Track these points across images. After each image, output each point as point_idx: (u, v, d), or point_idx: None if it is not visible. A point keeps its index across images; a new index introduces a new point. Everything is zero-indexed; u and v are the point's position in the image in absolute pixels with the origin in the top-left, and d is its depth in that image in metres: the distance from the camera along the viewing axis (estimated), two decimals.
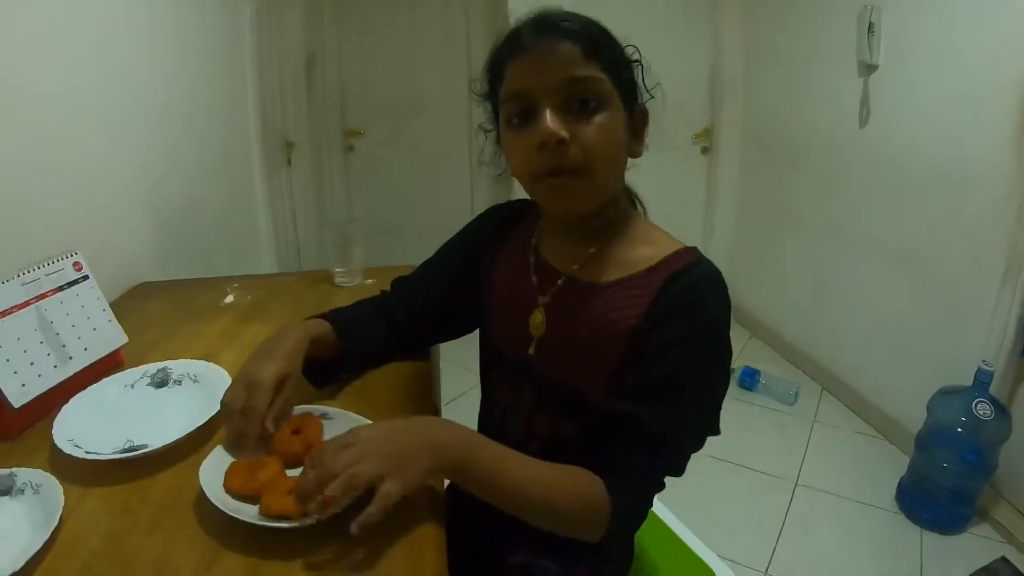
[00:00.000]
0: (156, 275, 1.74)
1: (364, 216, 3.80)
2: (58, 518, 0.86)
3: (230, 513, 0.84)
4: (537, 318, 0.98)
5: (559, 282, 0.97)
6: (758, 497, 2.43)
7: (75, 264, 1.28)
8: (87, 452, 0.98)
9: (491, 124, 0.98)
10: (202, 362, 1.20)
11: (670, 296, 0.84)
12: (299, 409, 1.05)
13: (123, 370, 1.20)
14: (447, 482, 0.95)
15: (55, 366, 1.16)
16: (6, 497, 0.94)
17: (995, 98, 2.18)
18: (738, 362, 3.37)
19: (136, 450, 0.99)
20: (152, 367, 1.19)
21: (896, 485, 2.46)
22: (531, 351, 0.98)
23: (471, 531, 0.99)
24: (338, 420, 1.04)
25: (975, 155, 2.29)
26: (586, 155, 0.84)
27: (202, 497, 0.87)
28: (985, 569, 2.04)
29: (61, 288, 1.23)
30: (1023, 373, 2.27)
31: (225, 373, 1.15)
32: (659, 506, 1.34)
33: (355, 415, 1.05)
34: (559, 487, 0.83)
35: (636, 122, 0.93)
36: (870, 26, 2.65)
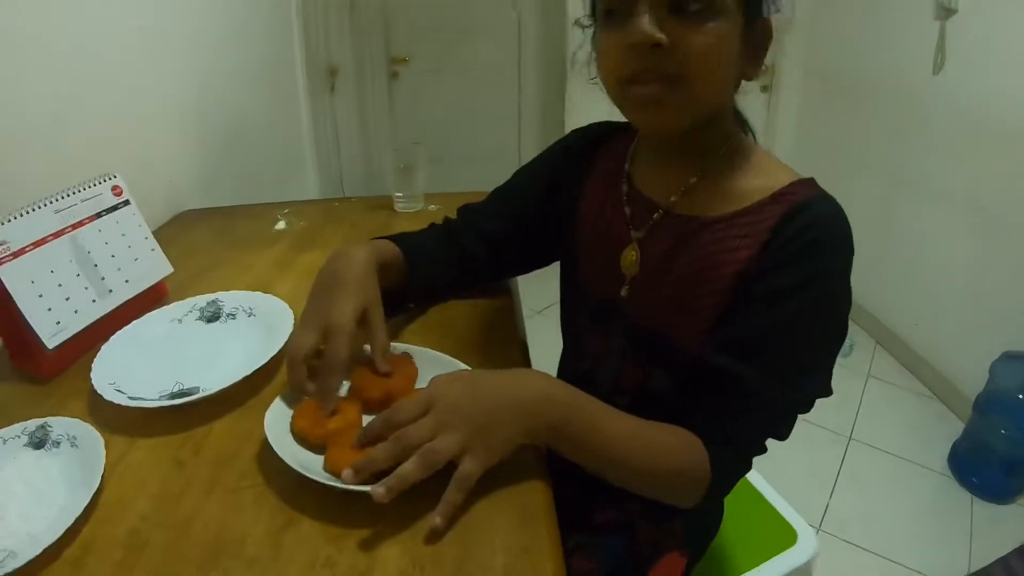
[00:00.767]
0: (199, 202, 1.57)
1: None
2: (100, 476, 0.71)
3: (306, 474, 0.69)
4: (630, 256, 0.85)
5: (655, 215, 0.84)
6: (813, 450, 2.33)
7: (114, 188, 1.12)
8: (131, 398, 0.82)
9: (589, 19, 0.83)
10: (258, 293, 1.03)
11: (786, 236, 0.73)
12: None
13: (168, 304, 1.04)
14: None
15: (93, 301, 1.01)
16: (40, 451, 0.80)
17: None
18: None
19: (187, 394, 0.83)
20: (202, 299, 1.03)
21: (949, 448, 2.36)
22: (623, 293, 0.87)
23: (554, 484, 0.85)
24: (420, 361, 0.87)
25: None
26: (684, 64, 0.70)
27: (268, 449, 0.71)
28: None
29: (99, 215, 1.07)
30: None
31: (285, 305, 0.99)
32: None
33: (441, 355, 0.88)
34: (658, 452, 0.75)
35: (755, 38, 0.75)
36: None
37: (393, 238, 0.98)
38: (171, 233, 1.39)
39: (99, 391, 0.83)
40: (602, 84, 0.78)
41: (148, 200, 1.39)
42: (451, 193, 1.50)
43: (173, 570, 0.63)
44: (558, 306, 1.05)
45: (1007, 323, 2.34)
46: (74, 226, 1.02)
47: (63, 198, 1.01)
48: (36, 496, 0.73)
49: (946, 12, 2.51)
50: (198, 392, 0.83)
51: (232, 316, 1.00)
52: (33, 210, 0.96)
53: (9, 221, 0.92)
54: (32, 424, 0.81)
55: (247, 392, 0.85)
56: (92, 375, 0.86)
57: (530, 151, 3.72)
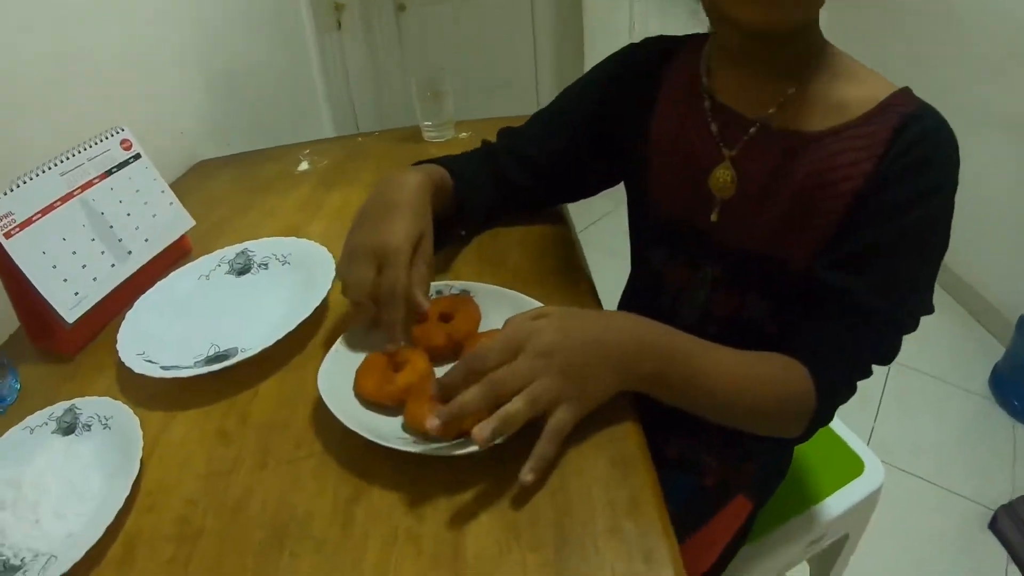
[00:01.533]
0: (213, 152, 1.45)
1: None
2: (138, 461, 0.61)
3: (378, 441, 0.58)
4: (723, 177, 0.75)
5: (751, 131, 0.74)
6: None
7: (123, 143, 1.00)
8: (164, 368, 0.72)
9: None
10: (290, 239, 0.91)
11: (899, 150, 0.66)
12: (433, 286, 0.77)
13: (192, 260, 0.92)
14: None
15: (112, 265, 0.90)
16: (71, 437, 0.70)
17: None
18: None
19: (225, 357, 0.72)
20: (229, 251, 0.91)
21: (990, 371, 2.26)
22: (714, 217, 0.77)
23: None
24: (482, 299, 0.75)
25: None
26: None
27: (323, 411, 0.60)
28: None
29: (109, 172, 0.96)
30: None
31: (322, 249, 0.86)
32: None
33: (504, 290, 0.76)
34: (763, 386, 0.68)
35: None
36: None
37: (435, 161, 0.87)
38: (188, 185, 1.27)
39: (128, 364, 0.72)
40: None
41: (160, 155, 1.27)
42: (482, 120, 1.35)
43: (232, 562, 0.53)
44: (597, 226, 0.91)
45: None
46: (83, 187, 0.91)
47: (68, 159, 0.90)
48: (70, 489, 0.64)
49: None
50: (237, 354, 0.72)
51: (264, 266, 0.88)
52: (37, 175, 0.85)
53: (12, 190, 0.81)
54: (59, 408, 0.71)
55: (291, 348, 0.74)
56: (118, 346, 0.75)
57: (548, 77, 3.54)
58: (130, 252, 0.93)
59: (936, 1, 2.68)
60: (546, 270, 0.85)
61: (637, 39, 0.88)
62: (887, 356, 0.70)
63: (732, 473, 0.90)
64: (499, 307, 0.72)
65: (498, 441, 0.54)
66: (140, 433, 0.64)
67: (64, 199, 0.88)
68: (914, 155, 0.66)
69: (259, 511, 0.57)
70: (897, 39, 2.94)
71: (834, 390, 0.69)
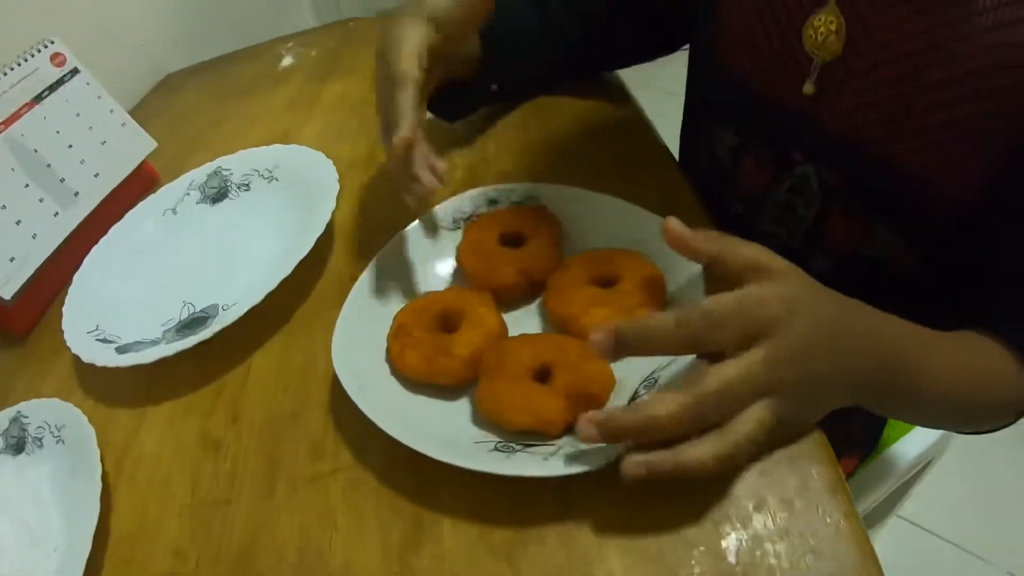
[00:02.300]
0: (182, 63, 1.18)
1: None
2: (97, 496, 0.41)
3: (439, 458, 0.36)
4: (823, 25, 0.47)
5: None
6: None
7: (54, 57, 0.76)
8: (121, 349, 0.50)
9: None
10: (274, 147, 0.67)
11: None
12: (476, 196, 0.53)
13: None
14: None
15: (56, 214, 0.68)
16: (22, 456, 0.50)
17: None
18: None
19: (203, 321, 0.50)
20: (199, 173, 0.68)
21: None
22: (806, 89, 0.49)
23: None
24: (565, 209, 0.51)
25: None
26: None
27: (346, 398, 0.38)
28: None
29: (39, 98, 0.72)
30: None
31: (319, 155, 0.62)
32: None
33: (597, 195, 0.51)
34: (981, 390, 0.46)
35: None
36: None
37: None
38: (153, 105, 1.02)
39: (75, 350, 0.50)
40: None
41: (116, 74, 1.05)
42: None
43: None
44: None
45: None
46: (6, 122, 0.68)
47: None
48: (27, 535, 0.44)
49: None
50: (217, 315, 0.50)
51: (245, 187, 0.65)
52: None
53: None
54: (3, 418, 0.51)
55: (292, 297, 0.51)
56: (64, 325, 0.54)
57: None
58: (77, 193, 0.69)
59: None
60: (629, 161, 0.59)
61: None
62: None
63: (835, 434, 0.67)
64: (589, 221, 0.49)
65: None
66: (96, 452, 0.43)
67: None
68: None
69: (273, 562, 0.36)
70: None
71: None
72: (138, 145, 0.78)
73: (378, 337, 0.44)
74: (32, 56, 0.72)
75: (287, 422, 0.43)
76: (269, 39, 1.17)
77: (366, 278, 0.47)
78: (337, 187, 0.55)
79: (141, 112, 0.99)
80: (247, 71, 1.03)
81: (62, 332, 0.53)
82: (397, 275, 0.48)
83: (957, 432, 0.54)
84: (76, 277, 0.59)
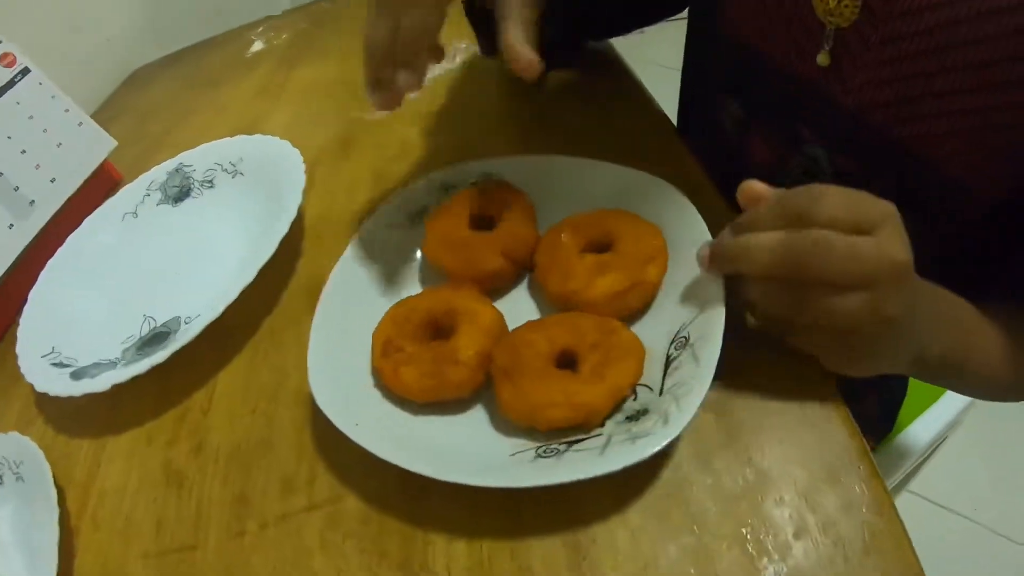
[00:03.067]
0: (153, 56, 1.10)
1: None
2: (55, 542, 0.35)
3: (443, 478, 0.30)
4: None
5: None
6: None
7: (3, 57, 0.69)
8: (75, 375, 0.44)
9: None
10: (238, 138, 0.60)
11: None
12: (427, 185, 0.47)
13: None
14: None
15: (10, 226, 0.62)
16: None
17: None
18: None
19: (165, 336, 0.44)
20: (159, 172, 0.61)
21: None
22: (820, 59, 0.42)
23: None
24: (556, 172, 0.45)
25: None
26: None
27: (321, 420, 0.33)
28: None
29: None
30: None
31: (285, 144, 0.56)
32: None
33: (563, 157, 0.45)
34: (1015, 361, 0.42)
35: None
36: None
37: None
38: (121, 102, 0.95)
39: (29, 378, 0.44)
40: None
41: (83, 70, 0.99)
42: None
43: None
44: None
45: None
46: None
47: None
48: None
49: None
50: (179, 328, 0.44)
51: (208, 184, 0.58)
52: None
53: None
54: None
55: (259, 305, 0.45)
56: (18, 348, 0.47)
57: None
58: (33, 202, 0.63)
59: None
60: (630, 134, 0.52)
61: None
62: None
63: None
64: (559, 187, 0.44)
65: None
66: (53, 494, 0.38)
67: None
68: None
69: None
70: None
71: None
72: (97, 145, 0.71)
73: (358, 361, 0.38)
74: None
75: (255, 450, 0.37)
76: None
77: (330, 295, 0.41)
78: (303, 180, 0.49)
79: (108, 110, 0.92)
80: (217, 60, 0.96)
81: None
82: (362, 285, 0.42)
83: (986, 400, 0.50)
84: (32, 294, 0.53)
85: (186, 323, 0.45)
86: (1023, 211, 0.40)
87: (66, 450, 0.43)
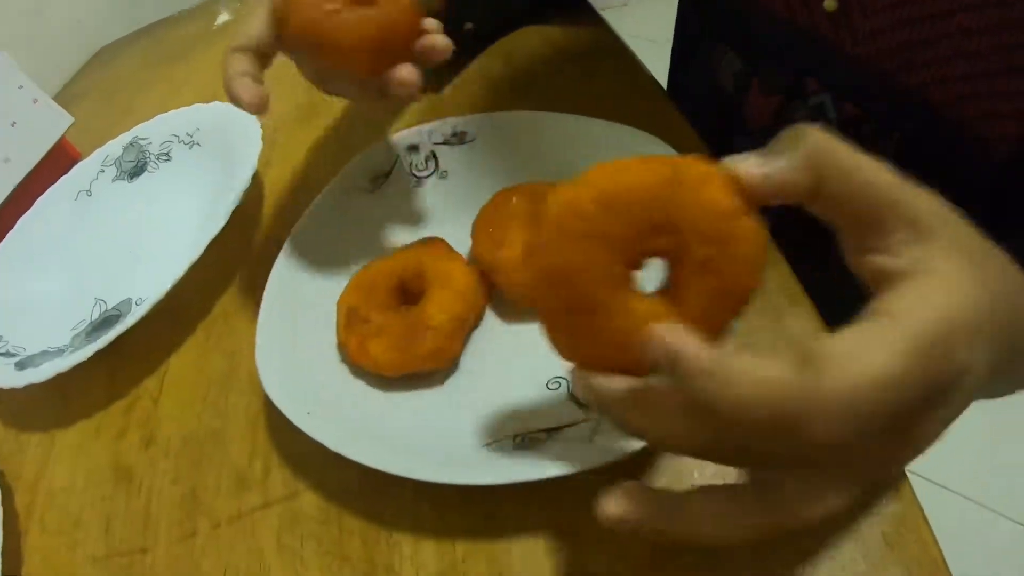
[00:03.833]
0: (121, 33, 1.04)
1: None
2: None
3: (407, 475, 0.26)
4: None
5: None
6: None
7: None
8: (21, 363, 0.40)
9: None
10: (193, 107, 0.55)
11: None
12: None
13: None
14: None
15: None
16: None
17: None
18: None
19: (116, 320, 0.40)
20: (114, 146, 0.56)
21: None
22: (829, 4, 0.37)
23: None
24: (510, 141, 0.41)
25: None
26: None
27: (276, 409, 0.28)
28: None
29: None
30: None
31: (240, 112, 0.50)
32: None
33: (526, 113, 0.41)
34: None
35: None
36: None
37: None
38: (87, 80, 0.90)
39: None
40: None
41: (50, 51, 0.94)
42: None
43: None
44: None
45: None
46: None
47: None
48: None
49: None
50: (130, 310, 0.40)
51: (165, 157, 0.53)
52: None
53: None
54: None
55: (211, 285, 0.41)
56: None
57: None
58: None
59: None
60: (614, 93, 0.47)
61: None
62: None
63: None
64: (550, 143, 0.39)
65: None
66: None
67: None
68: None
69: None
70: None
71: None
72: (53, 123, 0.66)
73: (322, 336, 0.33)
74: None
75: (206, 442, 0.33)
76: None
77: (284, 266, 0.36)
78: (259, 148, 0.44)
79: (72, 89, 0.87)
80: (183, 33, 0.90)
81: None
82: (322, 253, 0.37)
83: None
84: None
85: (136, 305, 0.41)
86: None
87: (15, 447, 0.39)
